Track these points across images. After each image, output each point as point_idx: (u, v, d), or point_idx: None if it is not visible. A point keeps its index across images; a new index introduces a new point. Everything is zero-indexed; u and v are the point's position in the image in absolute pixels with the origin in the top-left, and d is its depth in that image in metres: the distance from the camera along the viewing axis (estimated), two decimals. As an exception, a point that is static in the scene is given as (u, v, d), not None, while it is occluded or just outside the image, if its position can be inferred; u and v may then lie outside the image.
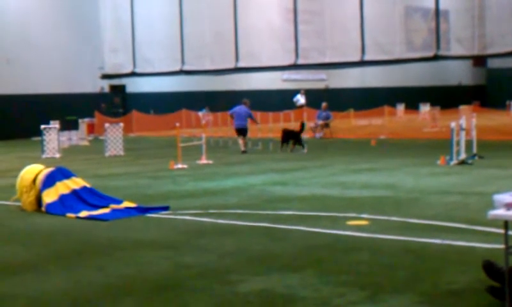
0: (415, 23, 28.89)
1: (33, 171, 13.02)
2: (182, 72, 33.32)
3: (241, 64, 31.15)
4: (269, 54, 30.50)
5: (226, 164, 20.75)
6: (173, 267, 8.19)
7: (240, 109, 26.11)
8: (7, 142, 32.06)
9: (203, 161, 21.14)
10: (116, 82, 40.32)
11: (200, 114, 36.53)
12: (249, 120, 26.15)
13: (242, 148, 25.26)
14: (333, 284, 7.23)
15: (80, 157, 24.98)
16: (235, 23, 31.18)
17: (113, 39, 34.70)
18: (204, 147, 21.73)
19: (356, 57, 28.17)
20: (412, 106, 46.20)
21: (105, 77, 36.32)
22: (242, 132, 25.66)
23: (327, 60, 29.47)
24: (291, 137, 25.18)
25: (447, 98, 53.25)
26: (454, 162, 18.48)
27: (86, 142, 32.40)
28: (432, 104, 43.83)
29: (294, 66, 31.29)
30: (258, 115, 29.22)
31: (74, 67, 39.08)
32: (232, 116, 26.53)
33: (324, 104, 33.88)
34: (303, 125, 25.64)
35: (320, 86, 52.12)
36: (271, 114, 30.05)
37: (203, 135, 22.63)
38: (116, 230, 10.59)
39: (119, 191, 14.57)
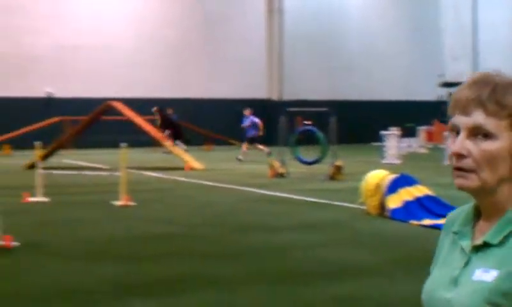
0: None
1: (377, 176, 13.36)
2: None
3: None
4: None
5: None
6: None
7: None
8: (349, 146, 33.17)
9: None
10: (454, 90, 39.90)
11: None
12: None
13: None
14: None
15: (419, 164, 25.07)
16: None
17: (454, 46, 34.43)
18: None
19: None
20: None
21: (445, 85, 36.15)
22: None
23: None
24: None
25: None
26: None
27: (424, 150, 32.46)
28: None
29: None
30: None
31: (413, 74, 39.40)
32: None
33: None
34: None
35: None
36: None
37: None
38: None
39: (460, 201, 14.35)
